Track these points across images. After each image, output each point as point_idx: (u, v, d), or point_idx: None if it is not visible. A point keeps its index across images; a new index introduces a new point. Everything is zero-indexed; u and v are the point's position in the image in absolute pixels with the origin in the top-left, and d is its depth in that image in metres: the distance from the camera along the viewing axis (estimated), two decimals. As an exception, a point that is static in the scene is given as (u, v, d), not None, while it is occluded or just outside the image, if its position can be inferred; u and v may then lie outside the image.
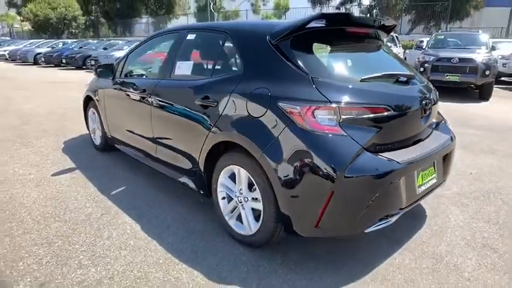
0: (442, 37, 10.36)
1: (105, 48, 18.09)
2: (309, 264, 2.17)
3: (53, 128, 5.44)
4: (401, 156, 2.05)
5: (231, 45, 2.49)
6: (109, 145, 4.11)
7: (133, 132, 3.41)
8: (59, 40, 26.22)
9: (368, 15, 23.75)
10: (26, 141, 4.74)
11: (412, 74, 2.50)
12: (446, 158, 2.53)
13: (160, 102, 2.87)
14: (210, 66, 2.71)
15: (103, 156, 4.16)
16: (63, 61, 17.76)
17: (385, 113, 2.02)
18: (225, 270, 2.12)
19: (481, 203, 3.03)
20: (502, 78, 11.43)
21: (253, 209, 2.27)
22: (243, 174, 2.24)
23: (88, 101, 4.39)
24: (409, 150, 2.17)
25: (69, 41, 24.64)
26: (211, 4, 31.54)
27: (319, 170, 1.87)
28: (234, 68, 2.52)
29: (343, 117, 1.93)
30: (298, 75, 2.05)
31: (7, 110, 6.95)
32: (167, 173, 3.02)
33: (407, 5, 21.74)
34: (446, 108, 2.85)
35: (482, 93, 8.51)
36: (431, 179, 2.34)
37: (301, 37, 2.17)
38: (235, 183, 2.35)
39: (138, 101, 3.19)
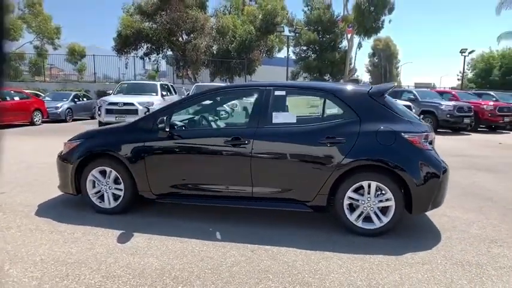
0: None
1: None
2: (391, 242, 3.44)
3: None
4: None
5: (336, 99, 3.50)
6: (129, 205, 3.85)
7: (212, 180, 3.62)
8: None
9: (176, 66, 26.08)
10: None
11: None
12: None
13: (267, 146, 3.43)
14: (317, 115, 3.57)
15: (116, 216, 3.83)
16: None
17: (434, 137, 3.63)
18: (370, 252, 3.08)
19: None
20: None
21: (378, 208, 3.33)
22: (373, 185, 3.28)
23: (87, 161, 3.87)
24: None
25: None
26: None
27: (433, 170, 3.25)
28: (347, 115, 3.44)
29: (428, 139, 3.40)
30: (400, 117, 3.39)
31: None
32: (270, 207, 3.51)
33: (208, 60, 25.60)
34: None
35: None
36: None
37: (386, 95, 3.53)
38: (358, 194, 3.34)
39: (226, 149, 3.50)
